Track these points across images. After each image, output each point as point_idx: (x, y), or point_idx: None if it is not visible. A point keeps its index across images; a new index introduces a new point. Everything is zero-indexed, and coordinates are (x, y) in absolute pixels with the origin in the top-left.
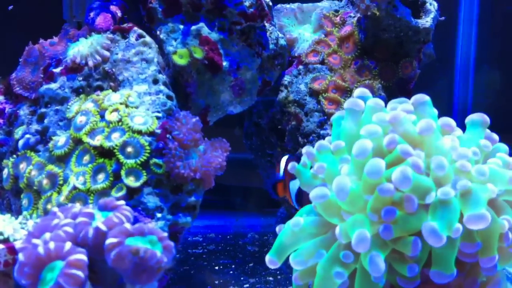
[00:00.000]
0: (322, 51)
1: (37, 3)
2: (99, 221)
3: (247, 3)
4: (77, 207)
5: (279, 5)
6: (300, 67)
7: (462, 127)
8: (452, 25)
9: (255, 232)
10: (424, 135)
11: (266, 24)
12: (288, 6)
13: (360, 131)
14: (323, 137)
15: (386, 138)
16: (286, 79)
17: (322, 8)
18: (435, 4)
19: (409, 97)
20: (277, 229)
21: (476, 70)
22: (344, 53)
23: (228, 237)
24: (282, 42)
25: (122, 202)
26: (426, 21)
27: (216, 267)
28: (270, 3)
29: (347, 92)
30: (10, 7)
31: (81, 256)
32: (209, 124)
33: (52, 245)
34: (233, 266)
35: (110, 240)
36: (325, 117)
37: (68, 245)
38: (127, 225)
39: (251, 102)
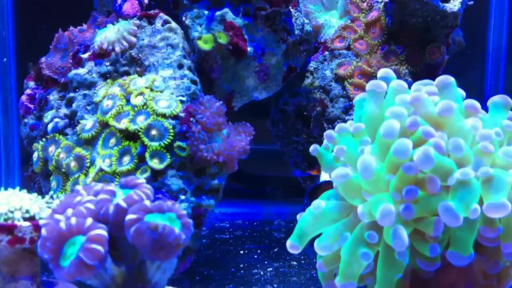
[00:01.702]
0: (348, 37)
1: None
2: (120, 198)
3: None
4: (100, 185)
5: None
6: (326, 53)
7: None
8: (483, 11)
9: (282, 220)
10: (444, 116)
11: (292, 10)
12: None
13: (382, 112)
14: None
15: (408, 120)
16: (312, 65)
17: None
18: None
19: None
20: (298, 216)
21: (508, 58)
22: (370, 39)
23: (255, 223)
24: (307, 28)
25: (142, 180)
26: (454, 5)
27: (241, 252)
28: None
29: (373, 78)
30: None
31: (102, 231)
32: (234, 110)
33: (73, 220)
34: (258, 251)
35: (129, 216)
36: (350, 102)
37: (89, 220)
38: (147, 202)
39: (277, 88)
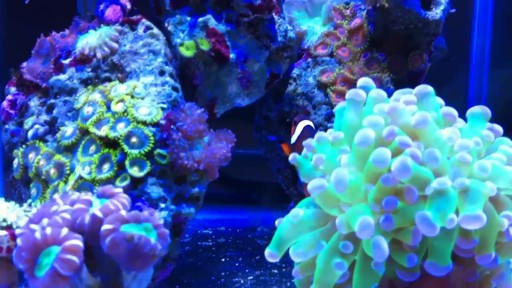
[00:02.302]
0: (331, 44)
1: None
2: (96, 208)
3: None
4: (76, 194)
5: None
6: (309, 59)
7: None
8: (467, 16)
9: (266, 226)
10: (419, 128)
11: (275, 16)
12: None
13: (360, 121)
14: None
15: (385, 129)
16: (295, 72)
17: (333, 1)
18: None
19: None
20: (276, 222)
21: (491, 63)
22: (353, 46)
23: (238, 230)
24: (291, 34)
25: (119, 189)
26: (436, 13)
27: (223, 259)
28: None
29: (355, 85)
30: (26, 1)
31: (77, 241)
32: (216, 116)
33: (49, 230)
34: (240, 258)
35: (105, 227)
36: (333, 110)
37: (64, 230)
38: (123, 212)
39: (260, 95)
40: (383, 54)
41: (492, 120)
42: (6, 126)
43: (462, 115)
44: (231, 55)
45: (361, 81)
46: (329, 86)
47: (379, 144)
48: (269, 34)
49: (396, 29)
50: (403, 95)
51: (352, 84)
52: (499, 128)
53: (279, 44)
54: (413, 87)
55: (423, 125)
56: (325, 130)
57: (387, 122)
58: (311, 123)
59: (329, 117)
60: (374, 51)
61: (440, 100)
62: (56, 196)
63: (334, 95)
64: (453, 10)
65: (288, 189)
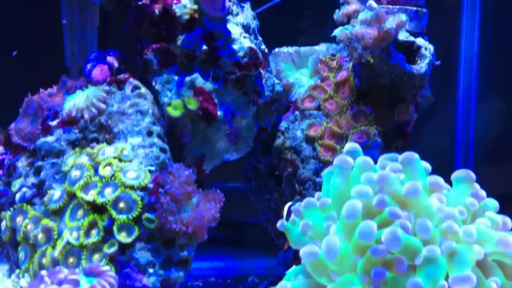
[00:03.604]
0: (318, 97)
1: (40, 49)
2: None
3: (241, 53)
4: (64, 271)
5: (276, 49)
6: (297, 112)
7: (464, 162)
8: (454, 51)
9: (257, 275)
10: (410, 198)
11: (262, 71)
12: (285, 50)
13: (348, 188)
14: (319, 185)
15: (375, 199)
16: (283, 124)
17: (319, 53)
18: (431, 48)
19: (406, 141)
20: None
21: (478, 96)
22: (340, 99)
23: (229, 281)
24: (278, 88)
25: (106, 268)
26: (421, 67)
27: None
28: (266, 50)
29: (342, 139)
30: (14, 53)
31: None
32: (205, 173)
33: None
34: None
35: None
36: (321, 164)
37: None
38: None
39: (248, 149)
40: (370, 107)
41: (479, 153)
42: None
43: (450, 150)
44: (219, 113)
45: (348, 146)
46: (317, 140)
47: (369, 214)
48: (256, 89)
49: (381, 82)
50: (390, 163)
51: (339, 138)
52: (483, 193)
53: (266, 99)
54: (400, 137)
55: (414, 195)
56: (314, 184)
57: (375, 190)
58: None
59: (318, 171)
60: (360, 104)
61: (426, 165)
62: (43, 273)
63: (322, 150)
64: (438, 63)
65: (278, 240)
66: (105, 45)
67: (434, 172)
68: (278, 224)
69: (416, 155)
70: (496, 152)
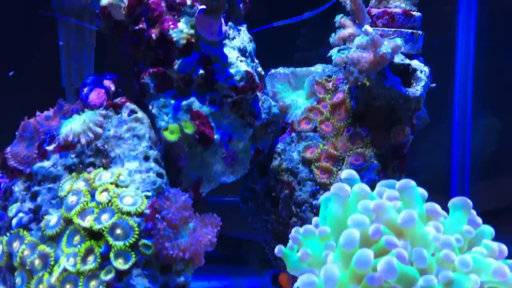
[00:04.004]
0: (314, 119)
1: (37, 70)
2: None
3: (237, 77)
4: None
5: (273, 70)
6: (293, 134)
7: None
8: (449, 66)
9: None
10: (406, 227)
11: (258, 94)
12: (282, 71)
13: (345, 215)
14: (316, 208)
15: (371, 228)
16: (280, 146)
17: (315, 75)
18: (426, 70)
19: (402, 162)
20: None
21: (474, 112)
22: (336, 121)
23: None
24: (274, 110)
25: None
26: (416, 90)
27: None
28: (262, 73)
29: (339, 161)
30: (11, 73)
31: None
32: (201, 195)
33: None
34: None
35: None
36: (318, 187)
37: None
38: None
39: (244, 171)
40: (366, 129)
41: (475, 168)
42: None
43: (445, 169)
44: (216, 136)
45: (345, 174)
46: (313, 162)
47: (365, 243)
48: (253, 112)
49: (378, 104)
50: (387, 190)
51: (336, 160)
52: (479, 220)
53: (263, 121)
54: (396, 158)
55: (410, 224)
56: (311, 207)
57: (372, 218)
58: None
59: (314, 194)
60: (357, 126)
61: (422, 191)
62: None
63: (318, 172)
64: (433, 85)
65: (275, 261)
66: (102, 66)
67: (430, 188)
68: (276, 250)
69: (412, 183)
70: (491, 168)
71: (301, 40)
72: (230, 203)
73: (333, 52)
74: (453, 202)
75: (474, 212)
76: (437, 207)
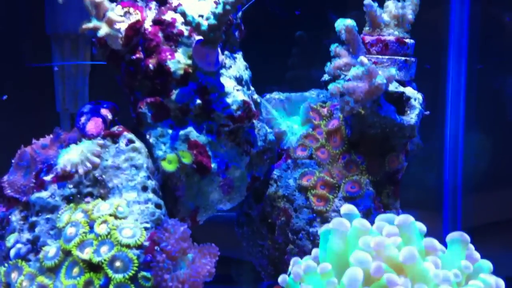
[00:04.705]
0: (310, 146)
1: (31, 95)
2: None
3: (234, 106)
4: None
5: (268, 95)
6: (289, 161)
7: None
8: (442, 80)
9: None
10: (407, 264)
11: (254, 121)
12: (276, 96)
13: (346, 250)
14: (313, 236)
15: (373, 266)
16: (276, 173)
17: (310, 101)
18: (420, 98)
19: (397, 188)
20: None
21: (466, 126)
22: (331, 148)
23: None
24: (270, 137)
25: None
26: (411, 118)
27: None
28: (258, 100)
29: (335, 188)
30: (4, 97)
31: None
32: (199, 223)
33: None
34: None
35: None
36: (314, 214)
37: None
38: None
39: (241, 199)
40: (361, 156)
41: (468, 183)
42: None
43: (437, 186)
44: (213, 165)
45: (344, 208)
46: (309, 189)
47: (367, 281)
48: (249, 140)
49: (372, 132)
50: (386, 225)
51: (332, 188)
52: (477, 255)
53: (259, 148)
54: (391, 183)
55: (411, 261)
56: (308, 235)
57: (373, 254)
58: None
59: (311, 221)
60: (352, 153)
61: (421, 226)
62: None
63: (315, 200)
64: (427, 113)
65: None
66: (97, 91)
67: (422, 204)
68: (280, 279)
69: (411, 218)
70: (483, 184)
71: (292, 60)
72: (221, 218)
73: (326, 77)
74: (451, 236)
75: (472, 246)
76: (436, 242)
